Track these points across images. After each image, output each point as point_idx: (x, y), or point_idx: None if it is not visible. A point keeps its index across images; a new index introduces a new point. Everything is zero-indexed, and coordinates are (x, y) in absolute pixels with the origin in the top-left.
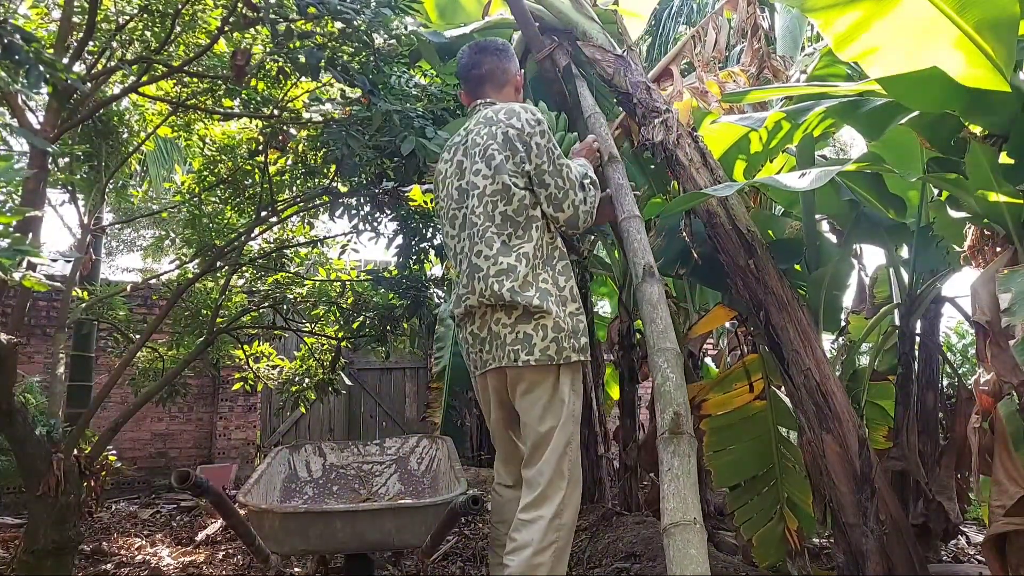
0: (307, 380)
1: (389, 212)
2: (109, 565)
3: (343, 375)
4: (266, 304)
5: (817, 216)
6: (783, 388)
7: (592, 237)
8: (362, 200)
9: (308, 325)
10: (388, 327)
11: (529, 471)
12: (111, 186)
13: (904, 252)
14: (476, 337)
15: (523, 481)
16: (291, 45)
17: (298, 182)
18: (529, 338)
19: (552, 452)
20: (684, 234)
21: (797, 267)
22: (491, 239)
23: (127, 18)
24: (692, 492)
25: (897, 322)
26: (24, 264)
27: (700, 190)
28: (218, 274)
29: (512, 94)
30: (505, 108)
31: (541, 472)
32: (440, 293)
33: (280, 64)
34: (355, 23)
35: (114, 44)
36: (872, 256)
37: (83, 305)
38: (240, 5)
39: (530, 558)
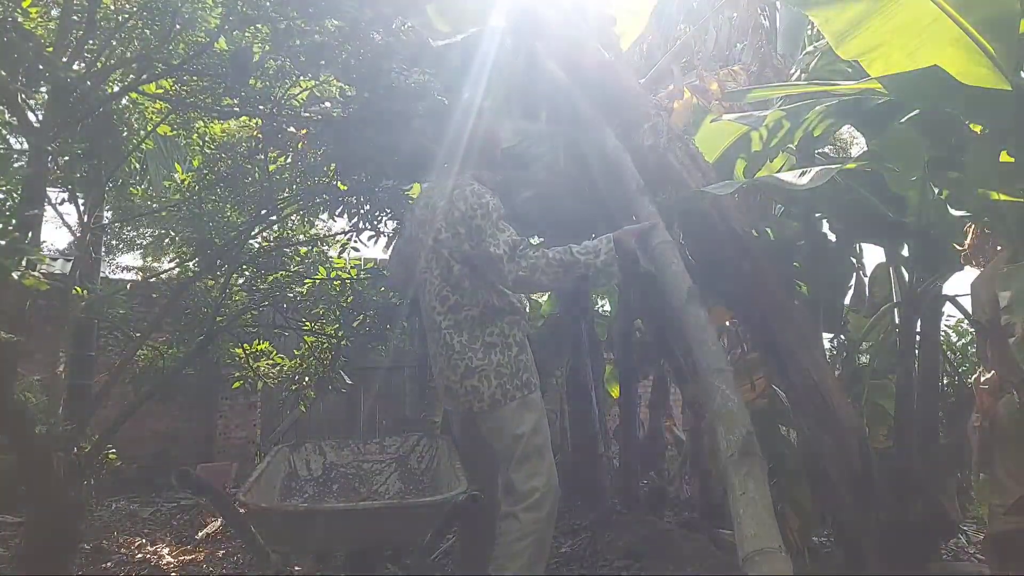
0: (307, 379)
1: (389, 210)
2: (109, 563)
3: (343, 374)
4: (266, 303)
5: (817, 215)
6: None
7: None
8: (362, 198)
9: (308, 324)
10: (388, 326)
11: None
12: (111, 184)
13: (904, 250)
14: None
15: None
16: (291, 43)
17: (298, 180)
18: None
19: None
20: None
21: (796, 265)
22: None
23: (127, 16)
24: (771, 517)
25: (897, 321)
26: (24, 263)
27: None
28: (218, 272)
29: None
30: None
31: None
32: None
33: (279, 64)
34: (355, 21)
35: (113, 42)
36: (872, 254)
37: (83, 304)
38: (241, 3)
39: None
